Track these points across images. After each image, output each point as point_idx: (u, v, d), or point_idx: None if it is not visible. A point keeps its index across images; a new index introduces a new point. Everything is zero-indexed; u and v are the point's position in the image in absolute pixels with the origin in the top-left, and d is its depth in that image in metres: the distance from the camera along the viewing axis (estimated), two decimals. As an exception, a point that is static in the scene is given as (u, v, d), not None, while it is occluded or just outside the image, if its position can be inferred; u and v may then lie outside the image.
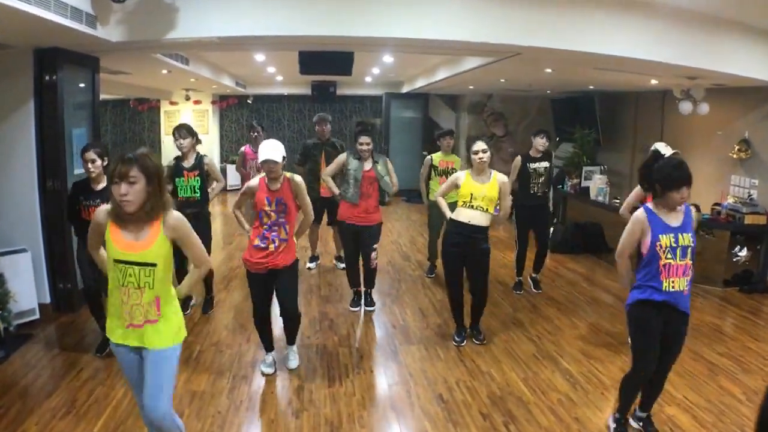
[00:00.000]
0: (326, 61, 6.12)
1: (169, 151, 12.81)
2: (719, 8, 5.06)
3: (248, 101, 13.45)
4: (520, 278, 6.09)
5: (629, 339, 3.21)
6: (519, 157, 5.95)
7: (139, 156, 2.33)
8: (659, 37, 5.11)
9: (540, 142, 5.85)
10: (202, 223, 4.70)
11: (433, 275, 6.56)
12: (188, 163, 4.93)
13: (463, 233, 4.36)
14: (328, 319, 5.11)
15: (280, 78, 11.57)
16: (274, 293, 3.92)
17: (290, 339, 4.19)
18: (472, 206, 4.33)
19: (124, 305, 2.41)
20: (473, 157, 4.35)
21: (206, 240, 4.53)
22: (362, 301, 5.40)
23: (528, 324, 5.09)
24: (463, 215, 4.37)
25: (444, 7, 4.60)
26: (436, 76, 8.91)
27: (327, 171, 5.36)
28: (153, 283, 2.40)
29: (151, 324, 2.44)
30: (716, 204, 6.72)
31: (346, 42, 5.23)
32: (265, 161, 3.71)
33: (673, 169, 2.90)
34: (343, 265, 6.64)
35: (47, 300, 5.02)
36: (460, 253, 4.41)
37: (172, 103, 13.04)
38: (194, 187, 4.92)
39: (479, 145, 4.36)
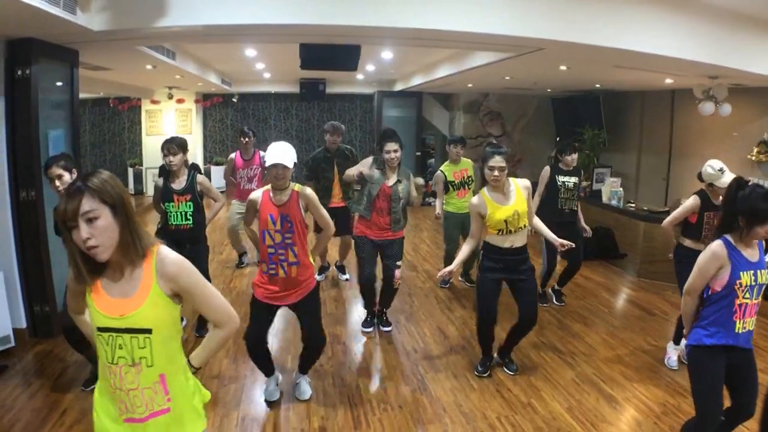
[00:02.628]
0: (330, 55, 5.57)
1: (150, 153, 12.31)
2: (746, 5, 4.77)
3: (233, 100, 12.88)
4: (544, 289, 5.65)
5: (691, 385, 2.76)
6: (548, 168, 5.44)
7: (91, 182, 1.60)
8: (688, 34, 4.84)
9: (569, 159, 5.30)
10: (198, 256, 4.10)
11: (448, 285, 6.14)
12: (179, 184, 4.30)
13: (505, 259, 3.81)
14: (341, 343, 4.62)
15: (267, 75, 11.11)
16: (298, 320, 3.50)
17: (306, 367, 3.73)
18: (511, 231, 3.76)
19: (117, 391, 1.67)
20: (487, 172, 3.69)
21: (203, 274, 3.93)
22: (375, 320, 4.92)
23: (558, 343, 4.67)
24: (505, 241, 3.78)
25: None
26: (436, 74, 8.49)
27: (349, 171, 4.70)
28: (152, 358, 1.66)
29: (159, 417, 1.71)
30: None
31: (352, 33, 4.74)
32: (274, 165, 3.22)
33: (761, 199, 2.51)
34: (346, 276, 6.20)
35: (23, 325, 4.46)
36: (499, 279, 3.87)
37: (153, 102, 12.43)
38: (186, 213, 4.28)
39: (497, 161, 3.65)
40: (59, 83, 4.79)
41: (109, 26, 4.02)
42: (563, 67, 6.48)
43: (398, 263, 4.57)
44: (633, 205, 7.03)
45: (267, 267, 3.32)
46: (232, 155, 6.42)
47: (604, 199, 7.29)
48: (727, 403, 2.75)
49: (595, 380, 4.01)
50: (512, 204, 3.74)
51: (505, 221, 3.71)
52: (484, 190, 3.81)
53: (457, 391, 3.83)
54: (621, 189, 7.04)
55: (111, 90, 11.03)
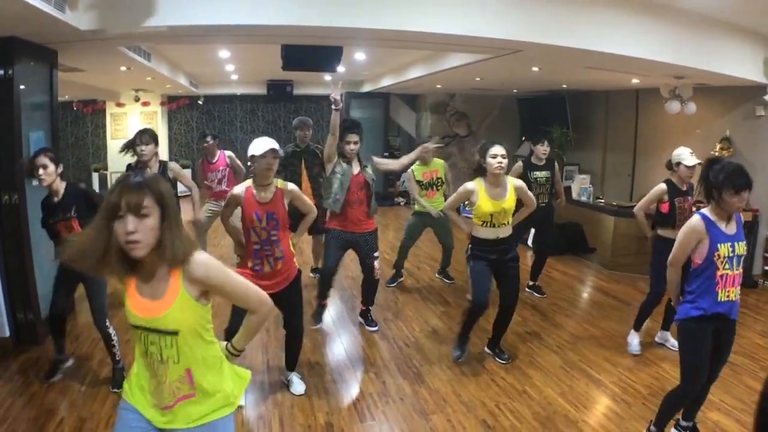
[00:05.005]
0: (312, 56, 5.60)
1: (115, 157, 11.97)
2: (712, 8, 5.01)
3: (199, 102, 12.70)
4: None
5: (680, 354, 2.97)
6: (520, 163, 5.59)
7: (152, 180, 1.65)
8: (657, 37, 5.04)
9: (541, 150, 5.52)
10: None
11: (395, 284, 6.17)
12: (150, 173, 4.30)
13: (493, 249, 3.95)
14: (336, 340, 4.67)
15: (235, 77, 11.00)
16: (281, 310, 3.43)
17: (292, 362, 3.76)
18: (494, 225, 3.90)
19: (147, 382, 1.81)
20: (490, 161, 3.78)
21: None
22: (321, 317, 4.87)
23: (543, 333, 4.84)
24: (488, 233, 3.93)
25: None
26: (407, 75, 8.56)
27: (325, 154, 4.52)
28: (178, 356, 1.73)
29: (185, 400, 1.80)
30: (698, 202, 6.71)
31: (335, 35, 4.75)
32: (263, 156, 3.19)
33: (734, 171, 2.74)
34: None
35: (5, 333, 4.32)
36: (491, 269, 4.00)
37: (118, 105, 12.17)
38: None
39: (498, 149, 3.78)
40: (39, 84, 4.68)
41: (96, 25, 3.94)
42: (536, 68, 6.65)
43: (375, 254, 4.59)
44: (602, 200, 7.28)
45: (252, 263, 3.34)
46: (198, 162, 6.36)
47: (574, 196, 7.53)
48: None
49: (583, 366, 4.18)
50: (503, 201, 3.86)
51: (491, 215, 3.84)
52: (480, 180, 3.90)
53: (454, 381, 3.93)
54: (591, 186, 7.29)
55: (77, 92, 10.77)
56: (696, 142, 7.36)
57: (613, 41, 4.82)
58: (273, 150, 3.20)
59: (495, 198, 3.85)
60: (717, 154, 6.88)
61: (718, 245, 2.75)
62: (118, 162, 11.79)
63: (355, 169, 4.48)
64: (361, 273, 4.74)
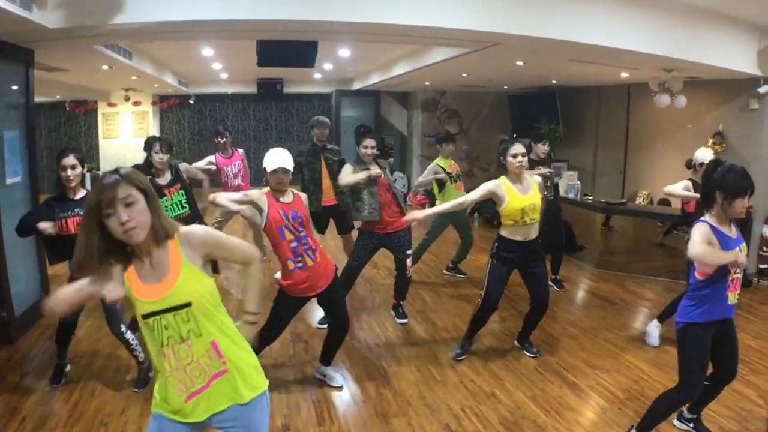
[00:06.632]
0: (287, 51, 5.52)
1: (107, 157, 12.11)
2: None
3: (190, 101, 12.64)
4: None
5: (679, 357, 2.86)
6: None
7: (123, 172, 1.73)
8: (643, 28, 4.90)
9: (541, 149, 5.54)
10: None
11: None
12: (164, 179, 4.40)
13: (522, 251, 3.91)
14: (302, 341, 4.51)
15: (225, 75, 10.94)
16: (325, 307, 3.68)
17: (330, 357, 3.80)
18: (525, 222, 3.84)
19: (175, 371, 1.78)
20: (511, 160, 3.81)
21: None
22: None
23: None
24: (519, 234, 3.87)
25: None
26: (393, 72, 8.46)
27: (351, 177, 4.48)
28: (199, 328, 1.77)
29: (219, 378, 1.82)
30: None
31: (310, 29, 4.69)
32: (275, 171, 3.29)
33: (738, 175, 2.66)
34: None
35: (-23, 333, 4.23)
36: (512, 270, 4.01)
37: (110, 105, 12.12)
38: (181, 201, 4.40)
39: (518, 148, 3.83)
40: (14, 83, 4.60)
41: (65, 24, 3.89)
42: (520, 63, 6.52)
43: (408, 252, 4.66)
44: (590, 197, 7.13)
45: (293, 262, 3.32)
46: (212, 158, 6.32)
47: (561, 193, 7.34)
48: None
49: (558, 369, 4.03)
50: (530, 195, 3.87)
51: (522, 210, 3.81)
52: (504, 177, 3.91)
53: (421, 383, 3.78)
54: (578, 182, 7.12)
55: (67, 93, 10.79)
56: (688, 137, 7.22)
57: (597, 32, 4.69)
58: (284, 169, 3.30)
59: (522, 192, 3.86)
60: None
61: (728, 251, 2.68)
62: (110, 162, 11.88)
63: (375, 172, 4.48)
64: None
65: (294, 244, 3.30)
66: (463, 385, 3.76)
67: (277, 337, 3.56)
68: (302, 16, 4.10)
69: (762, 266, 6.36)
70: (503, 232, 3.93)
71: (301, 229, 3.32)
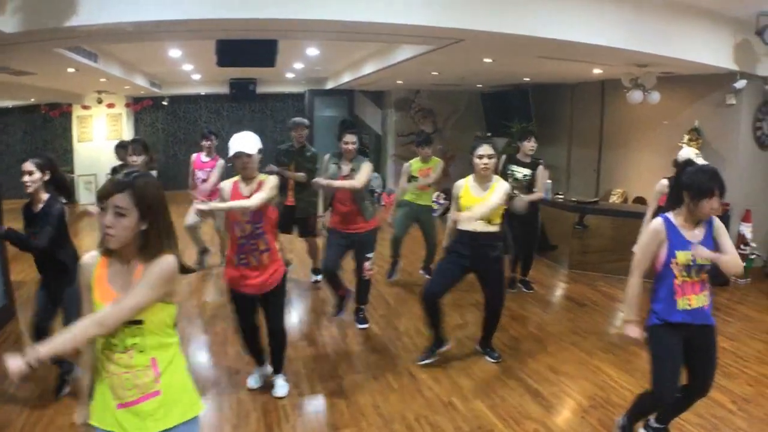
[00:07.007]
0: (246, 50, 5.38)
1: (82, 161, 11.88)
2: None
3: (163, 103, 12.51)
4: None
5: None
6: (504, 158, 5.59)
7: (138, 181, 1.72)
8: (613, 22, 4.81)
9: (527, 146, 5.40)
10: None
11: (395, 277, 6.02)
12: None
13: (470, 244, 3.82)
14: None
15: (197, 77, 10.79)
16: (264, 312, 3.48)
17: (278, 365, 3.65)
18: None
19: (111, 377, 1.75)
20: (476, 161, 3.76)
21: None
22: (341, 312, 4.71)
23: (484, 337, 4.56)
24: (468, 225, 3.79)
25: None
26: (363, 70, 8.33)
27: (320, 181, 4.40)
28: (144, 345, 1.76)
29: (151, 399, 1.78)
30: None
31: (272, 27, 4.63)
32: (237, 156, 3.18)
33: (705, 175, 2.57)
34: (318, 277, 5.90)
35: None
36: (463, 265, 3.88)
37: (84, 108, 11.92)
38: None
39: (485, 149, 3.75)
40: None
41: (22, 28, 3.84)
42: (488, 60, 6.42)
43: (368, 255, 4.51)
44: (561, 196, 7.04)
45: (237, 259, 3.26)
46: (193, 156, 6.24)
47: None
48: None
49: (521, 375, 3.90)
50: (483, 197, 3.78)
51: (469, 209, 3.73)
52: (470, 177, 3.89)
53: (377, 392, 3.64)
54: (549, 181, 7.02)
55: (42, 96, 10.64)
56: (663, 134, 7.15)
57: (565, 27, 4.61)
58: (245, 154, 3.18)
59: (476, 194, 3.82)
60: (685, 145, 6.66)
61: (676, 252, 2.59)
62: (84, 165, 11.82)
63: (344, 170, 4.38)
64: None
65: (242, 241, 3.23)
66: (420, 394, 3.62)
67: (249, 328, 3.51)
68: (262, 14, 4.06)
69: (740, 265, 6.30)
70: (459, 225, 3.86)
71: (258, 225, 3.21)
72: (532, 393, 3.64)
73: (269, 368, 3.71)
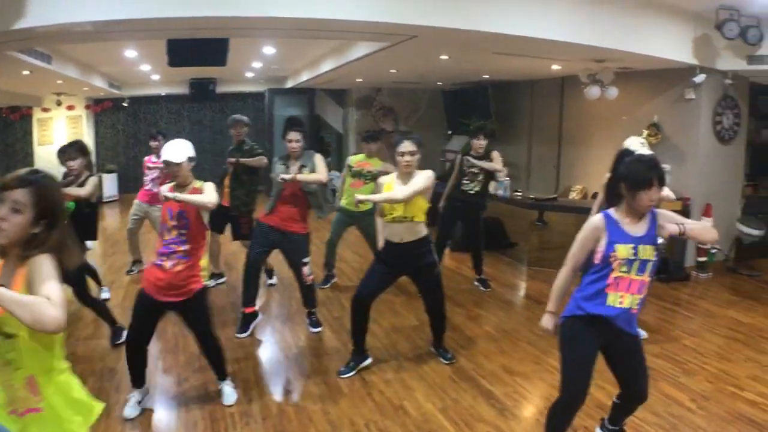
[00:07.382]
0: (197, 50, 5.29)
1: (43, 163, 11.54)
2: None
3: (123, 104, 12.29)
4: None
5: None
6: (459, 156, 5.68)
7: (42, 180, 1.69)
8: (568, 17, 4.82)
9: (477, 144, 5.48)
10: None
11: (328, 285, 5.83)
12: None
13: (398, 254, 3.75)
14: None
15: (156, 77, 10.58)
16: (187, 327, 3.41)
17: (220, 373, 3.52)
18: (395, 219, 3.66)
19: (2, 383, 1.72)
20: (398, 158, 3.69)
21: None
22: (251, 326, 4.56)
23: (439, 338, 4.51)
24: (394, 234, 3.73)
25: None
26: (321, 68, 8.24)
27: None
28: (20, 360, 1.66)
29: (34, 414, 1.71)
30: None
31: (223, 25, 4.57)
32: (166, 163, 3.18)
33: (642, 164, 2.44)
34: (215, 282, 5.77)
35: None
36: (388, 272, 3.83)
37: (44, 110, 11.66)
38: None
39: (406, 146, 3.65)
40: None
41: None
42: (444, 57, 6.39)
43: (304, 260, 4.40)
44: (520, 193, 7.05)
45: (158, 258, 3.20)
46: (146, 158, 6.18)
47: (491, 190, 7.24)
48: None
49: (474, 376, 3.86)
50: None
51: (386, 205, 3.69)
52: (394, 174, 3.83)
53: (326, 397, 3.56)
54: (508, 179, 7.03)
55: (2, 99, 10.41)
56: (623, 129, 7.18)
57: (518, 23, 4.60)
58: (167, 162, 3.17)
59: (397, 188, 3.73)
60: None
61: (616, 246, 2.45)
62: (46, 168, 11.14)
63: (294, 169, 4.28)
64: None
65: (164, 244, 3.19)
66: (371, 398, 3.56)
67: (143, 337, 3.29)
68: (213, 12, 4.01)
69: (701, 259, 6.36)
70: (386, 235, 3.81)
71: (183, 231, 3.14)
72: (485, 395, 3.60)
73: (148, 390, 3.48)
